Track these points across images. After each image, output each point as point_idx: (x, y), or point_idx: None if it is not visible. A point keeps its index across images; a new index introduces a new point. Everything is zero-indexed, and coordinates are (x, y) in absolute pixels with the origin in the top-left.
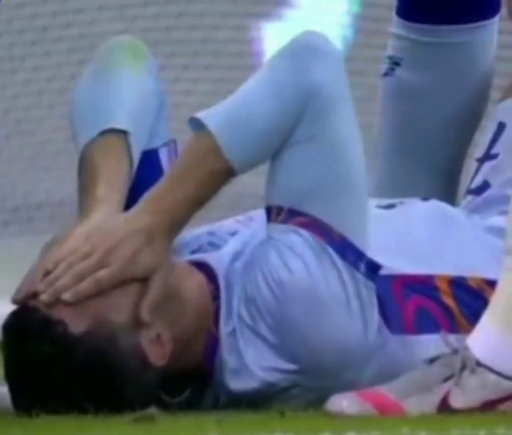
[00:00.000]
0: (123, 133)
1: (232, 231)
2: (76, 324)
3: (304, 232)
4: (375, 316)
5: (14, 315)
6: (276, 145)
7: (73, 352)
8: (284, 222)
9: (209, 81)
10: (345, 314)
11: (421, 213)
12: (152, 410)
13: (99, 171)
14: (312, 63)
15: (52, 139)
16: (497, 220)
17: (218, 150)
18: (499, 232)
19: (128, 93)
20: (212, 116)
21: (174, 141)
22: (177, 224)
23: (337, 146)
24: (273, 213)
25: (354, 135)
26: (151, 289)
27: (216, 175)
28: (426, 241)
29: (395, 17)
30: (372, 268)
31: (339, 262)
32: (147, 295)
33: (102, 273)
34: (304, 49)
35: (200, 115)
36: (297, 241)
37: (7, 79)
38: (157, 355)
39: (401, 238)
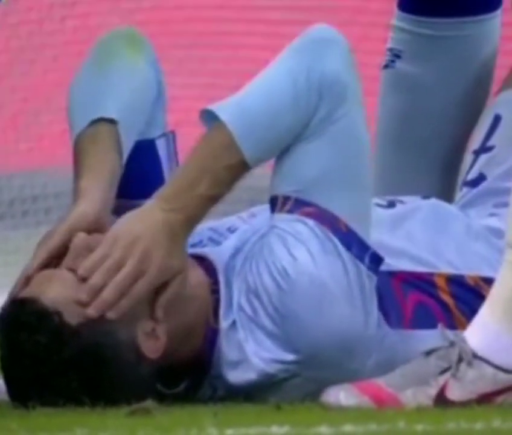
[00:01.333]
0: (113, 122)
1: (232, 228)
2: (73, 315)
3: (309, 221)
4: (375, 308)
5: (11, 305)
6: (289, 137)
7: (69, 343)
8: (290, 211)
9: (207, 74)
10: (347, 304)
11: (421, 213)
12: (148, 403)
13: (84, 161)
14: (327, 55)
15: (48, 132)
16: (494, 221)
17: (232, 143)
18: (496, 232)
19: (121, 82)
20: (225, 109)
21: (173, 132)
22: (194, 221)
23: (349, 138)
24: (279, 203)
25: (364, 128)
26: (172, 288)
27: (231, 169)
28: (426, 241)
29: (396, 10)
30: (376, 261)
31: (344, 253)
32: (165, 293)
33: (141, 285)
34: (318, 42)
35: (213, 107)
36: (303, 230)
37: (3, 71)
38: (151, 348)
39: (401, 238)
